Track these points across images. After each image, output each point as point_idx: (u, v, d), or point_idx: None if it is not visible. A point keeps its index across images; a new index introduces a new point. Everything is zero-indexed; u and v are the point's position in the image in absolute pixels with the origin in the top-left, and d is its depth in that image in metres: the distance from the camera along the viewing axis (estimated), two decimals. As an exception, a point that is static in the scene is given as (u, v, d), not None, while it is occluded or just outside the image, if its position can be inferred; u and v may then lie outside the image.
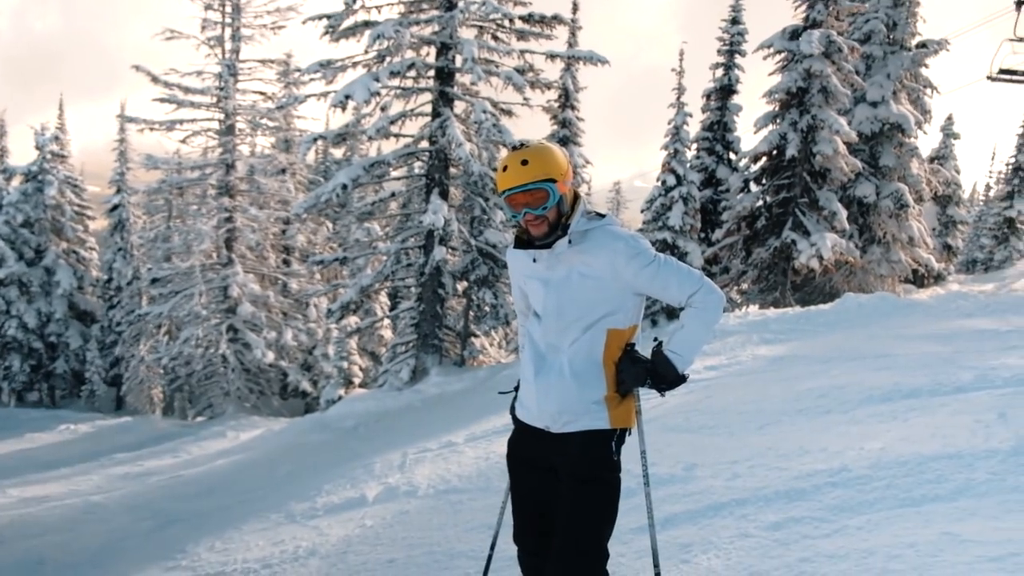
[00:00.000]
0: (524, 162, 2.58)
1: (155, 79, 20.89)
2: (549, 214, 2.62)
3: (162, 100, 21.10)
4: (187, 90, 21.49)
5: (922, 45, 18.37)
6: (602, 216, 2.71)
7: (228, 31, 21.87)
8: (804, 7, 16.53)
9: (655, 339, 2.79)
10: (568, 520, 2.61)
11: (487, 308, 15.32)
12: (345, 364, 21.50)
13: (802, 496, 4.30)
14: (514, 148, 2.65)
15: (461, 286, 15.38)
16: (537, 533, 2.80)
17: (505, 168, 2.61)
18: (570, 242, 2.64)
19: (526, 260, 2.75)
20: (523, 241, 2.77)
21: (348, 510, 6.52)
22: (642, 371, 2.65)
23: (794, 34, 16.54)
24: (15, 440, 17.91)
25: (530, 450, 2.81)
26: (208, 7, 21.64)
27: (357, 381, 21.49)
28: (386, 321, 21.26)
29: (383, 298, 22.36)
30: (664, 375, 2.65)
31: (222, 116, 21.87)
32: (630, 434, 2.76)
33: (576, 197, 2.73)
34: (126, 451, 15.22)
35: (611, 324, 2.66)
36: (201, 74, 21.69)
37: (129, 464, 13.63)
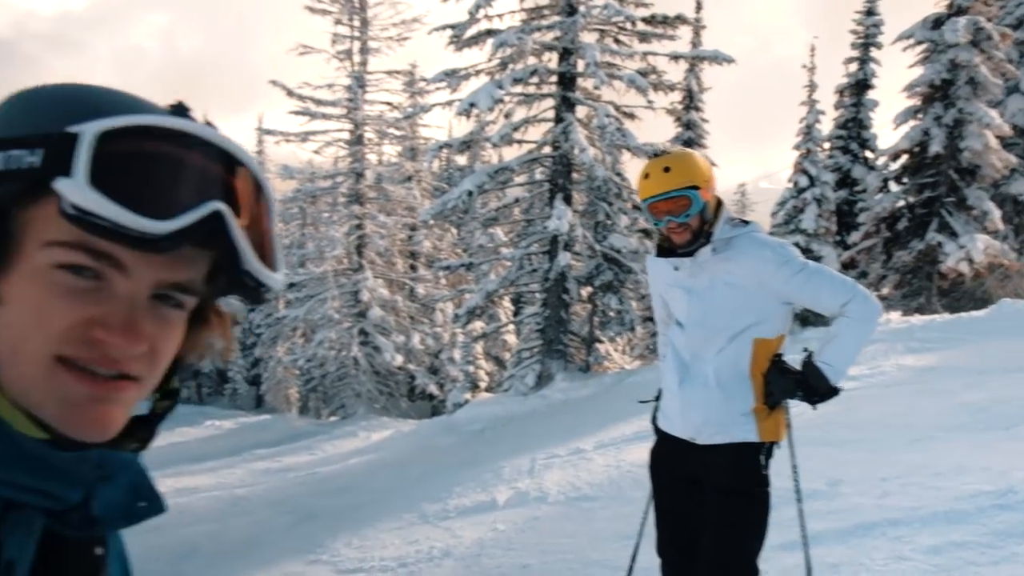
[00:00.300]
0: (666, 169, 2.54)
1: (290, 93, 21.93)
2: (692, 222, 2.57)
3: (297, 113, 22.12)
4: (319, 102, 22.45)
5: (1085, 28, 16.92)
6: (747, 223, 2.64)
7: (357, 44, 22.70)
8: (948, -7, 15.56)
9: (804, 349, 2.68)
10: (716, 534, 2.54)
11: (612, 314, 15.21)
12: (471, 368, 21.85)
13: (963, 519, 4.02)
14: (655, 155, 2.62)
15: (585, 291, 15.33)
16: (681, 546, 2.74)
17: (647, 176, 2.57)
18: (714, 250, 2.58)
19: (667, 268, 2.71)
20: (664, 249, 2.72)
21: (479, 513, 6.60)
22: (792, 383, 2.55)
23: (937, 23, 15.57)
24: (168, 434, 19.13)
25: (674, 462, 2.75)
26: (338, 22, 22.54)
27: (483, 385, 21.80)
28: (510, 326, 21.48)
29: (507, 303, 22.60)
30: (816, 387, 2.55)
31: (351, 126, 22.71)
32: (779, 447, 2.66)
33: (719, 204, 2.67)
34: (266, 447, 15.97)
35: (758, 334, 2.58)
36: (332, 86, 22.60)
37: (269, 460, 14.31)
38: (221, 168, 0.62)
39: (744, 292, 2.57)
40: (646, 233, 15.97)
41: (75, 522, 0.66)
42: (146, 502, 0.71)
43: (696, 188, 2.54)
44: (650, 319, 19.32)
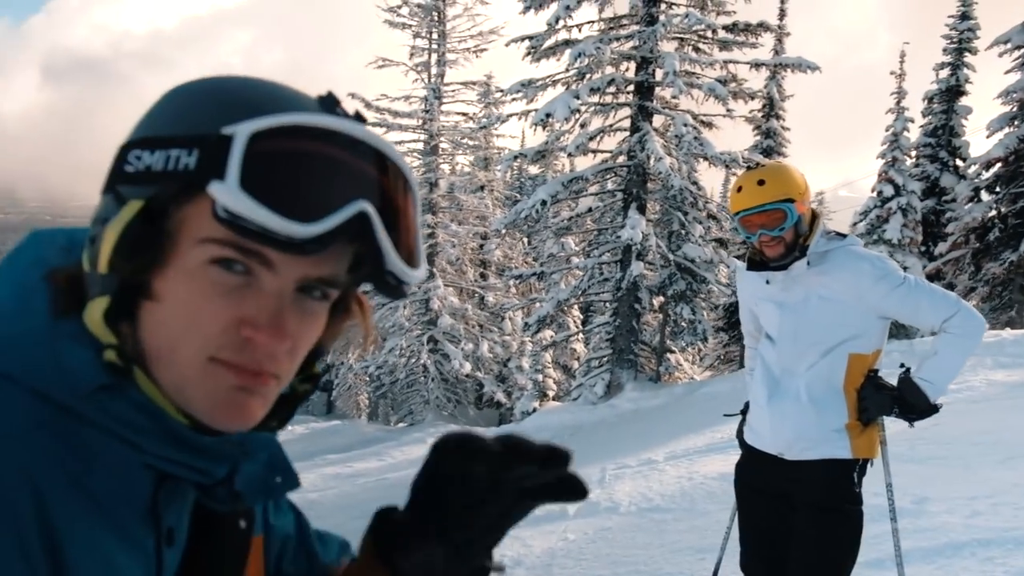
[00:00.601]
0: (761, 182, 2.50)
1: (367, 104, 22.39)
2: (786, 235, 2.52)
3: (374, 125, 22.57)
4: (396, 114, 22.87)
5: None
6: (843, 236, 2.58)
7: (434, 56, 23.06)
8: (1047, -4, 14.91)
9: (901, 365, 2.60)
10: (805, 551, 2.48)
11: (684, 324, 15.01)
12: (540, 377, 21.84)
13: (1059, 542, 3.83)
14: (749, 168, 2.59)
15: (658, 301, 15.18)
16: (766, 562, 2.68)
17: (740, 189, 2.54)
18: (809, 264, 2.52)
19: (759, 282, 2.67)
20: (755, 262, 2.68)
21: (549, 523, 6.57)
22: (888, 399, 2.48)
23: (1035, 27, 14.93)
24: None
25: (761, 477, 2.70)
26: (416, 35, 22.95)
27: (551, 394, 21.77)
28: (579, 335, 21.40)
29: (575, 312, 22.53)
30: (914, 404, 2.48)
31: (426, 137, 23.05)
32: (872, 465, 2.59)
33: (815, 217, 2.61)
34: (336, 452, 16.26)
35: (853, 349, 2.52)
36: (408, 98, 23.01)
37: (339, 465, 14.55)
38: (368, 165, 0.64)
39: (840, 306, 2.53)
40: (720, 243, 15.72)
41: (221, 496, 0.70)
42: (282, 477, 0.74)
43: (791, 201, 2.50)
44: (722, 329, 19.02)
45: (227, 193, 0.58)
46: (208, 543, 0.73)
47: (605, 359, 15.49)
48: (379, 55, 23.23)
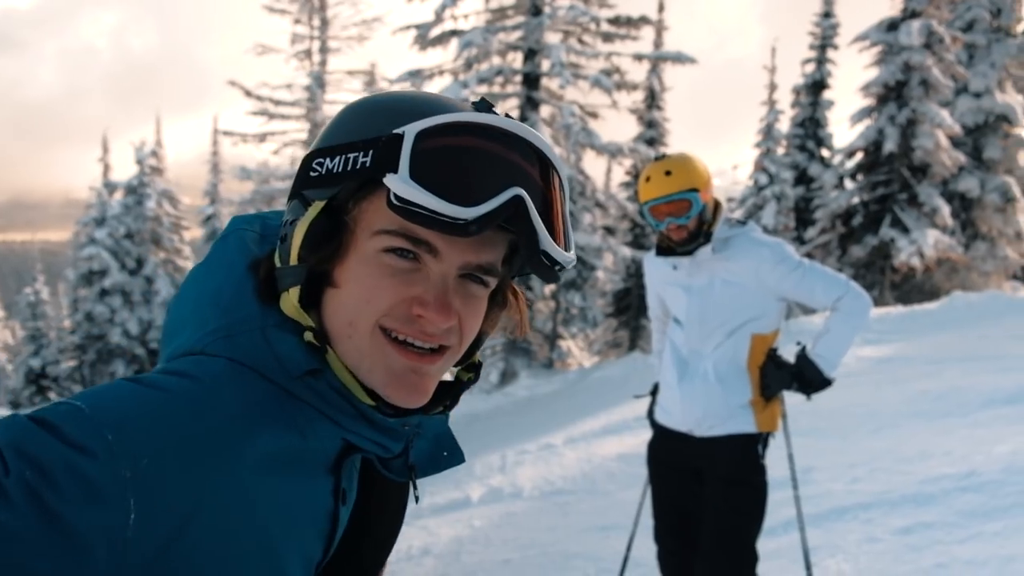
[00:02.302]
0: (667, 173, 2.61)
1: (248, 93, 21.65)
2: (691, 223, 2.64)
3: (256, 113, 21.85)
4: (278, 103, 22.21)
5: (1029, 31, 17.50)
6: (744, 223, 2.72)
7: (316, 44, 22.52)
8: (902, -3, 15.98)
9: (797, 343, 2.78)
10: (717, 522, 2.62)
11: (575, 311, 15.32)
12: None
13: (930, 501, 4.18)
14: (656, 159, 2.68)
15: (549, 289, 15.42)
16: (679, 534, 2.81)
17: (648, 179, 2.64)
18: (713, 250, 2.65)
19: (666, 267, 2.78)
20: (662, 248, 2.79)
21: (453, 511, 6.61)
22: (787, 375, 2.65)
23: (892, 25, 15.99)
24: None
25: (672, 454, 2.83)
26: (297, 21, 22.34)
27: (446, 376, 21.75)
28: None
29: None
30: (811, 379, 2.65)
31: (310, 126, 22.51)
32: (774, 437, 2.76)
33: (717, 205, 2.74)
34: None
35: (755, 329, 2.67)
36: (291, 87, 22.38)
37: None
38: (520, 156, 0.71)
39: (742, 289, 2.66)
40: (608, 230, 16.12)
41: (397, 468, 0.82)
42: (448, 452, 0.85)
43: (696, 191, 2.61)
44: (611, 315, 19.52)
45: (400, 183, 0.67)
46: (370, 508, 0.87)
47: (499, 347, 15.63)
48: (258, 42, 22.49)
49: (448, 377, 0.84)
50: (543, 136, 0.73)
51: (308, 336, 0.73)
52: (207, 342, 0.73)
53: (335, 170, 0.71)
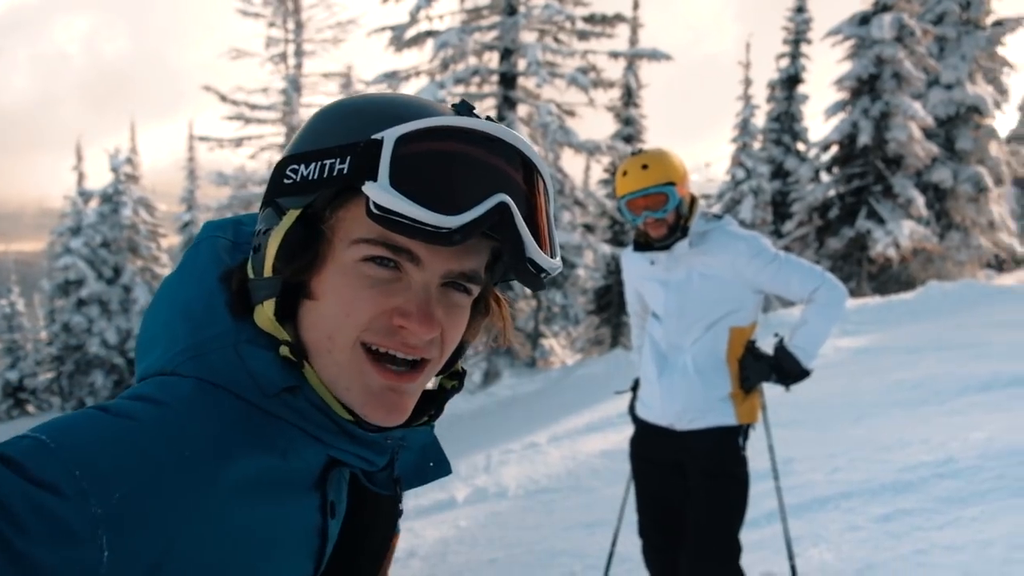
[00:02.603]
0: (644, 167, 2.62)
1: (223, 98, 21.51)
2: (669, 217, 2.65)
3: (231, 118, 21.71)
4: (253, 107, 22.07)
5: (998, 23, 17.74)
6: (720, 217, 2.74)
7: (291, 47, 22.40)
8: (873, -9, 16.15)
9: (775, 335, 2.80)
10: (699, 514, 2.64)
11: (556, 309, 15.35)
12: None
13: (909, 488, 4.23)
14: (633, 153, 2.70)
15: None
16: (663, 528, 2.83)
17: (625, 173, 2.65)
18: (690, 244, 2.67)
19: (643, 262, 2.79)
20: (640, 243, 2.80)
21: (438, 512, 6.61)
22: (766, 367, 2.68)
23: (864, 19, 16.16)
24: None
25: (654, 448, 2.85)
26: (272, 24, 22.21)
27: (429, 385, 21.70)
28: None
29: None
30: (789, 370, 2.68)
31: (287, 130, 22.39)
32: (754, 429, 2.79)
33: (694, 199, 2.76)
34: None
35: (733, 322, 2.69)
36: (267, 90, 22.25)
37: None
38: (504, 160, 0.68)
39: (720, 283, 2.68)
40: (588, 228, 16.17)
41: (381, 481, 0.79)
42: (434, 463, 0.82)
43: (673, 184, 2.63)
44: (592, 312, 19.58)
45: (380, 191, 0.64)
46: (362, 518, 0.84)
47: (481, 347, 15.60)
48: (233, 46, 22.34)
49: (431, 386, 0.81)
50: (525, 138, 0.71)
51: (284, 351, 0.71)
52: (178, 362, 0.70)
53: (311, 177, 0.67)
